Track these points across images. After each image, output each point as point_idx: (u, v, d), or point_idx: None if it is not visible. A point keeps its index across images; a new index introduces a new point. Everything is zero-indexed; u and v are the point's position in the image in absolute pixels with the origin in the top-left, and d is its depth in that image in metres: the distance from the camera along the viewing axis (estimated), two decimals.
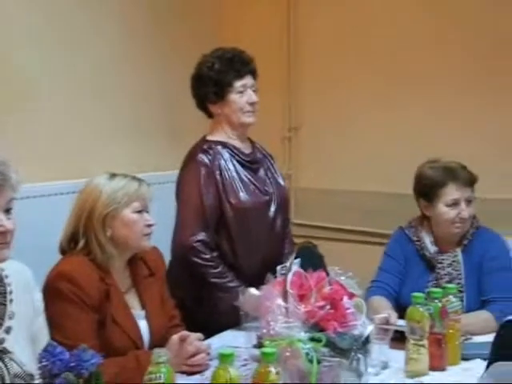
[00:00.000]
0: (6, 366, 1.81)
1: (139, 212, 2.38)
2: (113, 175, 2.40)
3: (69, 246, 2.37)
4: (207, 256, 2.69)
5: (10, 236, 1.80)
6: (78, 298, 2.22)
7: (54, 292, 2.22)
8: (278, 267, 2.65)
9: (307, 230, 4.10)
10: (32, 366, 1.86)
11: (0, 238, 1.78)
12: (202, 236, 2.69)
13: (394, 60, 3.90)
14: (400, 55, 3.88)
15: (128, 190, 2.36)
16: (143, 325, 2.40)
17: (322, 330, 1.98)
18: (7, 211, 1.80)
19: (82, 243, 2.32)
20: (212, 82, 2.82)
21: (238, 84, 2.82)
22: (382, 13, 3.93)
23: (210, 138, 2.88)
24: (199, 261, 2.68)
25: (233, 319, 2.60)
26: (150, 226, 2.40)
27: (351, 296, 2.13)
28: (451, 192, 2.82)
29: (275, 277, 2.22)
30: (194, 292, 2.75)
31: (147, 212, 2.42)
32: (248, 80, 2.85)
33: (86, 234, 2.33)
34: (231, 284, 2.71)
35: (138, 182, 2.41)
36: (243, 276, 2.77)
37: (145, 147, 3.76)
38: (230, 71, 2.81)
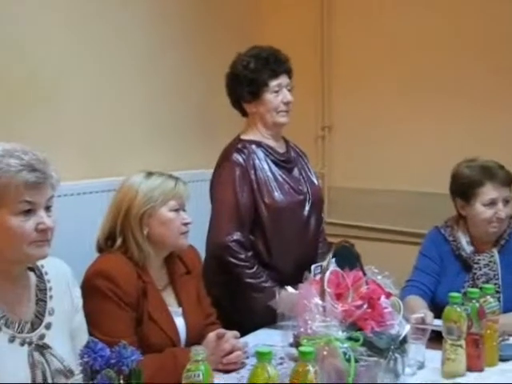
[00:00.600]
0: (46, 361, 1.83)
1: (176, 210, 2.39)
2: (149, 174, 2.41)
3: (106, 244, 2.39)
4: (242, 256, 2.69)
5: (51, 233, 1.81)
6: (115, 296, 2.24)
7: (92, 289, 2.24)
8: (313, 266, 2.66)
9: (340, 228, 4.10)
10: (71, 362, 1.88)
11: (41, 236, 1.79)
12: (237, 236, 2.69)
13: (426, 61, 3.88)
14: (432, 56, 3.86)
15: (164, 188, 2.37)
16: (180, 322, 2.41)
17: (359, 330, 1.97)
18: (47, 209, 1.82)
19: (119, 241, 2.34)
20: (247, 81, 2.81)
21: (274, 83, 2.82)
22: (415, 15, 3.91)
23: (244, 137, 2.88)
24: (234, 260, 2.68)
25: (267, 319, 2.61)
26: (186, 224, 2.41)
27: (388, 295, 2.12)
28: (488, 191, 2.79)
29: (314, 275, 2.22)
30: (228, 291, 2.75)
31: (184, 210, 2.43)
32: (283, 79, 2.84)
33: (123, 233, 2.34)
34: (266, 284, 2.71)
35: (175, 180, 2.42)
36: (278, 275, 2.77)
37: (179, 145, 3.78)
38: (266, 70, 2.81)
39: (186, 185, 2.45)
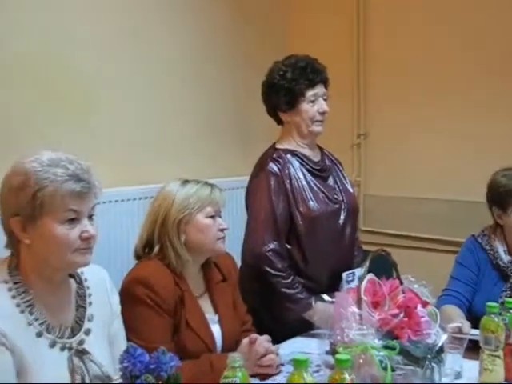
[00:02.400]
0: (86, 366, 1.85)
1: (212, 217, 2.41)
2: (185, 181, 2.44)
3: (144, 251, 2.42)
4: (279, 266, 2.70)
5: (93, 241, 1.85)
6: (153, 303, 2.26)
7: (131, 296, 2.26)
8: (344, 274, 2.66)
9: (376, 237, 4.09)
10: (110, 368, 1.91)
11: (84, 244, 1.82)
12: (273, 245, 2.70)
13: (464, 68, 3.86)
14: (470, 64, 3.84)
15: (200, 195, 2.40)
16: (216, 329, 2.43)
17: (395, 338, 1.97)
18: (90, 217, 1.85)
19: (156, 249, 2.37)
20: (284, 90, 2.81)
21: (310, 93, 2.82)
22: (451, 23, 3.90)
23: (279, 146, 2.89)
24: (271, 270, 2.69)
25: (300, 329, 2.63)
26: (223, 230, 2.43)
27: (425, 304, 2.11)
28: None
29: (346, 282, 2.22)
30: (263, 300, 2.75)
31: (220, 217, 2.45)
32: (320, 89, 2.85)
33: (160, 240, 2.37)
34: (301, 295, 2.71)
35: (210, 187, 2.44)
36: (313, 283, 2.78)
37: (216, 153, 3.81)
38: (303, 80, 2.80)
39: (221, 191, 2.47)
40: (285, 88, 2.81)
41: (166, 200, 2.40)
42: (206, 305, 2.44)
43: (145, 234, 2.42)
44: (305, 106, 2.82)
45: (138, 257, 2.45)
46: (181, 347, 2.28)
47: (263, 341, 2.33)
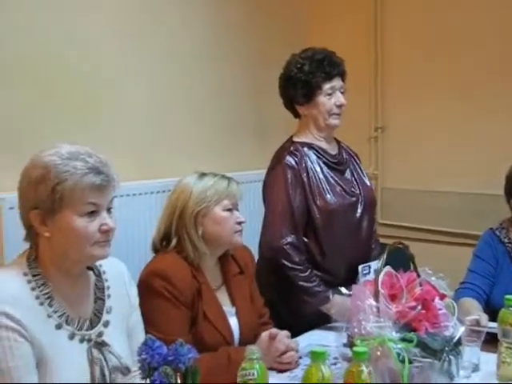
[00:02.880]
0: (104, 358, 1.86)
1: (229, 210, 2.42)
2: (202, 174, 2.45)
3: (161, 244, 2.43)
4: (296, 259, 2.70)
5: (112, 234, 1.86)
6: (171, 295, 2.28)
7: (149, 289, 2.28)
8: (360, 266, 2.66)
9: (394, 230, 4.09)
10: (128, 359, 1.92)
11: (103, 236, 1.83)
12: (291, 238, 2.71)
13: (481, 61, 3.84)
14: (486, 57, 3.81)
15: (218, 188, 2.41)
16: (233, 322, 2.43)
17: (413, 331, 1.96)
18: (108, 210, 1.86)
19: (174, 241, 2.38)
20: (301, 83, 2.81)
21: (327, 86, 2.81)
22: (468, 17, 3.88)
23: (296, 139, 2.89)
24: (288, 263, 2.69)
25: (317, 322, 2.63)
26: (240, 223, 2.44)
27: (442, 297, 2.11)
28: None
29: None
30: (280, 293, 2.76)
31: (237, 210, 2.46)
32: (337, 82, 2.84)
33: (178, 233, 2.39)
34: (318, 288, 2.72)
35: (227, 180, 2.45)
36: (331, 276, 2.79)
37: (233, 146, 3.82)
38: (320, 73, 2.80)
39: (238, 185, 2.48)
40: (302, 81, 2.81)
41: (183, 193, 2.41)
42: (223, 297, 2.45)
43: (162, 226, 2.43)
44: (322, 99, 2.82)
45: (155, 250, 2.46)
46: (198, 339, 2.29)
47: (283, 337, 2.33)
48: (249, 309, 2.51)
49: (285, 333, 2.36)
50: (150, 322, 2.19)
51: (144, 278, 2.34)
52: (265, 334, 2.34)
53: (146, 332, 2.13)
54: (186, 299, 2.30)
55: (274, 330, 2.36)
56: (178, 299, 2.28)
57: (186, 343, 2.11)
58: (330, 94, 2.82)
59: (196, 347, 2.15)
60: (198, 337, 2.31)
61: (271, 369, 2.25)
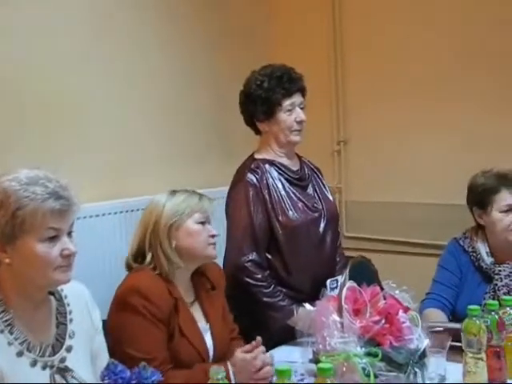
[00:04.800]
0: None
1: (202, 223, 2.45)
2: (173, 191, 2.49)
3: (135, 261, 2.43)
4: (259, 276, 2.71)
5: (73, 258, 1.84)
6: (149, 313, 2.27)
7: (125, 306, 2.29)
8: (328, 281, 2.67)
9: (359, 242, 4.10)
10: None
11: (65, 261, 1.82)
12: (253, 256, 2.71)
13: (441, 72, 3.87)
14: (450, 64, 3.84)
15: (189, 202, 2.44)
16: (208, 338, 2.45)
17: (377, 345, 1.98)
18: (69, 234, 1.84)
19: (149, 257, 2.39)
20: (261, 100, 2.82)
21: (287, 103, 2.82)
22: (427, 25, 3.91)
23: (257, 156, 2.90)
24: (251, 281, 2.70)
25: (285, 337, 2.63)
26: (213, 236, 2.47)
27: (406, 310, 2.12)
28: (505, 197, 2.80)
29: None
30: (246, 310, 2.74)
31: (209, 224, 2.48)
32: (297, 98, 2.85)
33: (152, 248, 2.40)
34: (283, 303, 2.72)
35: (199, 195, 2.49)
36: (296, 292, 2.79)
37: (197, 163, 3.80)
38: (279, 90, 2.81)
39: (210, 200, 2.52)
40: (262, 98, 2.82)
41: (156, 209, 2.44)
42: (197, 313, 2.47)
43: (135, 244, 2.45)
44: (282, 116, 2.83)
45: (129, 267, 2.46)
46: (175, 356, 2.31)
47: (259, 353, 2.33)
48: (221, 325, 2.52)
49: (261, 349, 2.35)
50: (128, 340, 2.23)
51: (120, 296, 2.34)
52: (239, 352, 2.33)
53: (121, 350, 2.16)
54: (163, 316, 2.30)
55: (249, 346, 2.35)
56: (155, 316, 2.28)
57: (165, 360, 2.16)
58: (289, 110, 2.83)
59: (172, 363, 2.19)
60: (174, 353, 2.31)
61: None
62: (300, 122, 2.85)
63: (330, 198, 3.01)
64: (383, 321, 2.01)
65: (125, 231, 3.20)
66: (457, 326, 2.26)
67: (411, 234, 4.00)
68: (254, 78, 2.87)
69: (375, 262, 3.51)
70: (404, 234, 4.03)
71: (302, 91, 2.89)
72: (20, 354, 1.78)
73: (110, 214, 3.26)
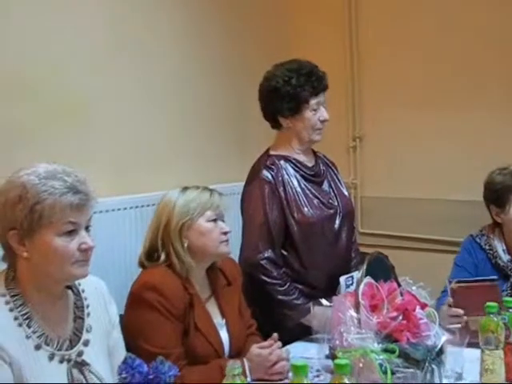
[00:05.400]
0: (85, 378, 1.85)
1: (214, 221, 2.44)
2: (184, 188, 2.48)
3: (148, 260, 2.43)
4: (274, 273, 2.70)
5: (91, 253, 1.84)
6: (164, 308, 2.28)
7: (141, 302, 2.30)
8: (342, 278, 2.66)
9: (374, 238, 4.09)
10: (109, 379, 1.90)
11: (83, 255, 1.82)
12: (268, 253, 2.71)
13: (460, 67, 3.86)
14: (467, 62, 3.83)
15: (200, 200, 2.43)
16: (223, 334, 2.45)
17: (395, 341, 1.96)
18: (86, 228, 1.85)
19: (163, 256, 2.39)
20: (288, 96, 2.78)
21: (314, 101, 2.80)
22: (444, 25, 3.90)
23: (273, 152, 2.88)
24: (266, 278, 2.69)
25: (299, 334, 2.62)
26: (225, 233, 2.45)
27: (423, 306, 2.11)
28: None
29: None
30: (261, 306, 2.75)
31: (222, 221, 2.47)
32: (321, 97, 2.83)
33: (164, 247, 2.40)
34: (298, 301, 2.72)
35: (210, 191, 2.47)
36: (312, 289, 2.79)
37: (213, 159, 3.79)
38: (308, 88, 2.78)
39: (221, 195, 2.51)
40: (289, 94, 2.78)
41: (166, 207, 2.43)
42: (213, 309, 2.47)
43: (148, 243, 2.45)
44: (308, 114, 2.81)
45: (142, 265, 2.46)
46: (190, 352, 2.31)
47: (275, 348, 2.34)
48: (238, 321, 2.52)
49: (277, 344, 2.37)
50: (142, 335, 2.24)
51: (136, 292, 2.35)
52: (255, 348, 2.34)
53: (138, 346, 2.16)
54: (178, 312, 2.30)
55: (266, 343, 2.37)
56: (170, 312, 2.29)
57: (180, 356, 2.16)
58: (315, 110, 2.81)
59: (188, 359, 2.19)
60: (190, 349, 2.32)
61: (259, 380, 2.27)
62: (323, 121, 2.83)
63: (346, 193, 3.00)
64: (400, 317, 2.00)
65: (137, 226, 3.19)
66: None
67: (426, 230, 3.99)
68: (280, 72, 2.83)
69: (390, 258, 3.51)
70: (419, 231, 4.02)
71: (326, 90, 2.87)
72: (38, 347, 1.79)
73: (123, 209, 3.25)
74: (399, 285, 2.16)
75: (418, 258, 3.93)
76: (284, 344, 2.57)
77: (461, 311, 2.52)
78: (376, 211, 4.18)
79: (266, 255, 2.70)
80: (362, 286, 2.02)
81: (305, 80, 2.79)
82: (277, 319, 2.71)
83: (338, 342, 1.96)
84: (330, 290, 2.65)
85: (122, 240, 3.16)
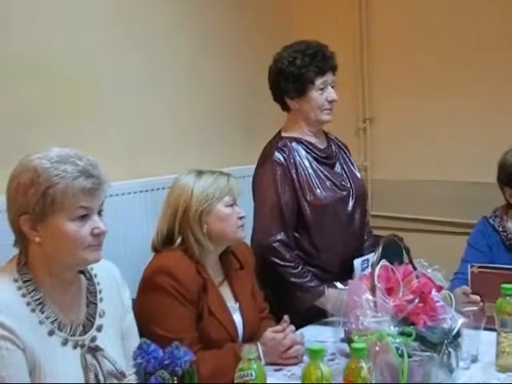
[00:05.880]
0: (99, 363, 1.83)
1: (231, 206, 2.43)
2: (199, 172, 2.45)
3: (163, 244, 2.42)
4: (287, 256, 2.69)
5: (104, 237, 1.82)
6: (177, 292, 2.27)
7: (154, 286, 2.29)
8: (356, 261, 2.64)
9: (384, 221, 4.06)
10: (123, 364, 1.89)
11: (96, 240, 1.80)
12: (280, 236, 2.69)
13: (470, 48, 3.82)
14: (477, 47, 3.80)
15: (218, 185, 2.41)
16: (237, 317, 2.44)
17: (411, 324, 1.95)
18: (99, 213, 1.83)
19: (179, 240, 2.38)
20: (293, 77, 2.77)
21: (320, 81, 2.77)
22: (456, 6, 3.86)
23: (284, 134, 2.86)
24: (279, 261, 2.68)
25: (312, 317, 2.61)
26: (241, 218, 2.45)
27: (439, 289, 2.09)
28: None
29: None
30: (273, 290, 2.74)
31: (237, 205, 2.47)
32: (329, 77, 2.80)
33: (181, 232, 2.38)
34: (311, 284, 2.70)
35: (226, 176, 2.46)
36: (324, 271, 2.77)
37: (220, 142, 3.77)
38: (313, 67, 2.76)
39: (237, 180, 2.49)
40: (294, 75, 2.77)
41: (184, 192, 2.40)
42: (226, 293, 2.46)
43: (164, 227, 2.42)
44: (314, 94, 2.78)
45: (155, 249, 2.45)
46: (204, 336, 2.30)
47: (289, 332, 2.34)
48: (251, 304, 2.52)
49: (290, 328, 2.36)
50: (156, 320, 2.23)
51: (149, 276, 2.34)
52: (269, 332, 2.34)
53: (151, 330, 2.16)
54: (191, 296, 2.29)
55: (279, 327, 2.37)
56: (184, 296, 2.28)
57: (193, 341, 2.16)
58: (321, 89, 2.78)
59: (202, 343, 2.18)
60: (203, 333, 2.31)
61: (272, 364, 2.27)
62: (331, 102, 2.81)
63: (358, 175, 2.98)
64: (417, 300, 1.98)
65: (149, 210, 3.17)
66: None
67: (437, 212, 3.97)
68: (287, 53, 2.81)
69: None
70: (430, 212, 4.00)
71: (334, 70, 2.84)
72: (51, 332, 1.77)
73: (132, 192, 3.23)
74: (414, 267, 2.14)
75: (429, 240, 3.90)
76: (297, 328, 2.56)
77: (478, 298, 2.49)
78: (386, 193, 4.15)
79: (278, 238, 2.68)
80: (377, 269, 2.00)
81: (309, 60, 2.77)
82: (290, 302, 2.70)
83: (353, 326, 1.94)
84: (343, 273, 2.66)
85: (133, 224, 3.14)
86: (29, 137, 2.74)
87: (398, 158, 4.13)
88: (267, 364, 2.23)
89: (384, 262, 2.06)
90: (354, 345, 1.74)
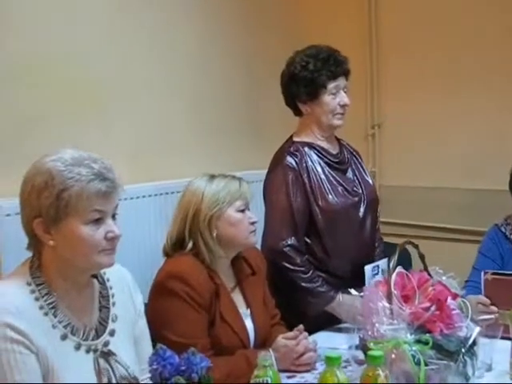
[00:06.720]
0: (112, 368, 1.82)
1: (242, 211, 2.40)
2: (212, 176, 2.43)
3: (174, 248, 2.40)
4: (297, 261, 2.68)
5: (117, 241, 1.80)
6: (190, 298, 2.25)
7: (166, 291, 2.26)
8: (368, 267, 2.62)
9: (393, 227, 4.03)
10: (136, 369, 1.87)
11: (109, 244, 1.78)
12: (291, 241, 2.68)
13: (481, 54, 3.81)
14: (488, 50, 3.79)
15: (229, 189, 2.39)
16: (249, 324, 2.42)
17: (427, 332, 1.93)
18: (113, 217, 1.81)
19: (190, 245, 2.36)
20: (305, 81, 2.77)
21: (332, 85, 2.77)
22: (465, 12, 3.86)
23: (296, 138, 2.86)
24: (289, 266, 2.67)
25: (323, 323, 2.60)
26: (253, 223, 2.43)
27: (455, 297, 2.07)
28: None
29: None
30: (284, 295, 2.72)
31: (249, 210, 2.44)
32: (341, 81, 2.80)
33: (192, 237, 2.36)
34: (321, 289, 2.69)
35: (238, 180, 2.43)
36: (336, 277, 2.76)
37: (229, 146, 3.76)
38: (325, 72, 2.76)
39: (248, 184, 2.46)
40: (306, 79, 2.77)
41: (194, 196, 2.38)
42: (238, 299, 2.44)
43: (174, 232, 2.40)
44: (326, 98, 2.78)
45: (167, 254, 2.43)
46: (216, 342, 2.28)
47: (302, 339, 2.33)
48: (263, 310, 2.50)
49: (304, 335, 2.35)
50: (168, 325, 2.21)
51: (161, 281, 2.31)
52: (281, 338, 2.32)
53: (162, 336, 2.13)
54: (204, 302, 2.28)
55: (292, 333, 2.35)
56: (196, 302, 2.26)
57: (205, 346, 2.15)
58: (334, 94, 2.78)
59: (213, 350, 2.16)
60: (215, 339, 2.29)
61: (284, 371, 2.23)
62: (343, 106, 2.80)
63: (370, 181, 2.97)
64: (433, 307, 1.95)
65: (160, 214, 3.16)
66: None
67: (447, 219, 3.95)
68: (299, 58, 2.82)
69: (410, 247, 3.46)
70: (439, 220, 3.98)
71: (347, 74, 2.84)
72: (64, 337, 1.76)
73: (142, 196, 3.22)
74: (429, 275, 2.12)
75: (438, 247, 3.87)
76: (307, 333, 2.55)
77: (496, 309, 2.47)
78: (395, 200, 4.13)
79: (289, 242, 2.67)
80: (393, 276, 1.97)
81: (322, 64, 2.77)
82: (300, 307, 2.69)
83: (369, 333, 1.92)
84: (354, 279, 2.64)
85: (145, 228, 3.13)
86: (35, 141, 2.73)
87: (407, 164, 4.12)
88: (279, 371, 2.21)
89: (399, 268, 2.03)
90: (371, 352, 1.72)
